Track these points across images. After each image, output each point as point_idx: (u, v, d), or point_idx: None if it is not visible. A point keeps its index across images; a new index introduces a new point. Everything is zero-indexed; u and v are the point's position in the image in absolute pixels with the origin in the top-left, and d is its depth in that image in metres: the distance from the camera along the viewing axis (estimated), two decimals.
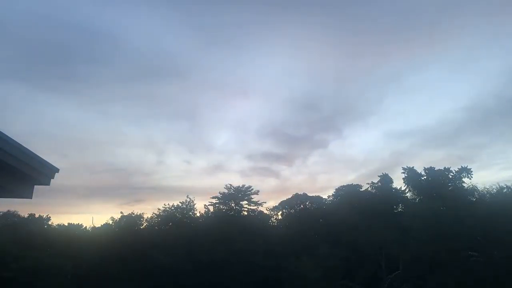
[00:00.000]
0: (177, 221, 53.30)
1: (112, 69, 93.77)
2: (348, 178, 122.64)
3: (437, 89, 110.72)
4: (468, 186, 49.65)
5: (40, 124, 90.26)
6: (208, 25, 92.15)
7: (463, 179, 50.82)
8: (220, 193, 54.95)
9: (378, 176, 58.34)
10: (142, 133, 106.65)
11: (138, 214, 54.58)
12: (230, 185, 54.88)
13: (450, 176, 51.55)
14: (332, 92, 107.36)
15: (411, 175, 53.71)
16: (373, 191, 57.20)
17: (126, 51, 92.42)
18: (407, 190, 54.83)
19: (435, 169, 52.61)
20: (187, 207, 55.18)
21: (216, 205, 55.32)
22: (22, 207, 57.14)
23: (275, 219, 61.93)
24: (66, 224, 55.58)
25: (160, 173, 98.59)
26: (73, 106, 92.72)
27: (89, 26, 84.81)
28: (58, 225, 55.90)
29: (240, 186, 54.91)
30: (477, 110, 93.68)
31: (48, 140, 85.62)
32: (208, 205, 55.67)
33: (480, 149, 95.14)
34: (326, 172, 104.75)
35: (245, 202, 55.06)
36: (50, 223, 55.33)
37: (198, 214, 56.32)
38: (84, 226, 56.07)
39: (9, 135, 4.73)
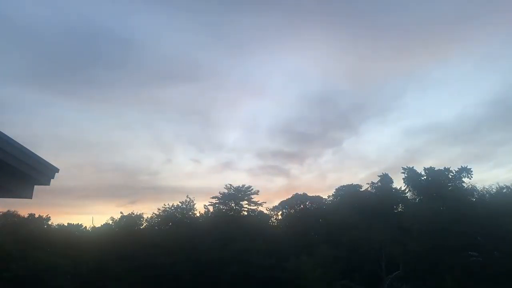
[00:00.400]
0: (177, 221, 53.32)
1: (123, 72, 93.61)
2: (360, 176, 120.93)
3: (460, 84, 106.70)
4: (467, 186, 49.71)
5: (44, 125, 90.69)
6: (218, 25, 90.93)
7: (463, 179, 50.89)
8: (220, 193, 54.98)
9: (378, 176, 58.44)
10: (150, 133, 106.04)
11: (138, 214, 54.68)
12: (230, 185, 54.92)
13: (450, 176, 51.57)
14: (348, 89, 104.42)
15: (411, 175, 53.75)
16: (373, 191, 57.25)
17: (137, 54, 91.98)
18: (407, 190, 54.89)
19: (435, 169, 52.65)
20: (187, 207, 55.21)
21: (216, 205, 55.34)
22: (22, 207, 57.12)
23: (275, 219, 62.01)
24: (66, 224, 55.65)
25: (167, 173, 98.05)
26: (77, 106, 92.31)
27: (105, 31, 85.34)
28: (58, 225, 55.99)
29: (240, 186, 54.93)
30: (498, 104, 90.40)
31: (51, 140, 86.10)
32: (208, 205, 55.74)
33: (498, 146, 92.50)
34: (338, 171, 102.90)
35: (245, 202, 55.08)
36: (50, 223, 55.40)
37: (198, 214, 56.42)
38: (84, 226, 56.19)
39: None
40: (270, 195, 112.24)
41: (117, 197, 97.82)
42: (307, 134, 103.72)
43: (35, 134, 77.65)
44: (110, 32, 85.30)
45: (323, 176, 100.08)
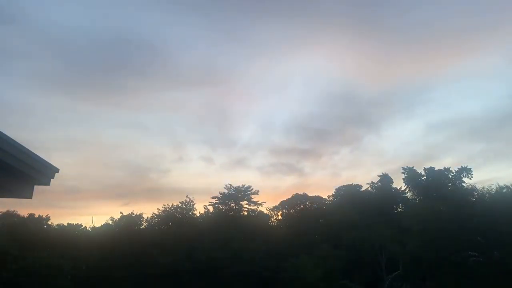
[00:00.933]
0: (177, 221, 53.30)
1: (143, 78, 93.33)
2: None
3: (488, 77, 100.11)
4: (467, 186, 49.74)
5: (55, 127, 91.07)
6: (236, 25, 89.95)
7: (463, 179, 50.98)
8: (220, 193, 54.99)
9: (378, 176, 58.44)
10: (159, 133, 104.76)
11: (138, 214, 54.61)
12: (230, 185, 54.96)
13: (450, 176, 51.68)
14: (371, 85, 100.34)
15: (411, 175, 53.81)
16: (373, 191, 57.26)
17: (157, 60, 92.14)
18: (407, 190, 54.93)
19: (435, 169, 52.79)
20: (187, 207, 55.17)
21: (216, 205, 55.33)
22: (22, 207, 57.06)
23: (275, 219, 61.99)
24: (66, 224, 55.54)
25: (176, 172, 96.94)
26: (87, 108, 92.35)
27: (128, 40, 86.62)
28: (58, 225, 55.86)
29: (240, 186, 54.94)
30: None
31: (59, 141, 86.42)
32: (208, 205, 55.74)
33: None
34: (355, 169, 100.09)
35: (245, 202, 55.09)
36: (50, 223, 55.29)
37: (198, 214, 56.40)
38: (84, 226, 56.05)
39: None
40: (281, 193, 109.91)
41: (119, 198, 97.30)
42: (325, 131, 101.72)
43: (45, 136, 78.38)
44: (131, 40, 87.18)
45: (339, 174, 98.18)
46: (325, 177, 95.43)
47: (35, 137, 71.16)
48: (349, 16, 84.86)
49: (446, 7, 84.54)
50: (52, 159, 5.52)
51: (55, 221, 56.73)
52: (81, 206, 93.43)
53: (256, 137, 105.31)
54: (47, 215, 55.18)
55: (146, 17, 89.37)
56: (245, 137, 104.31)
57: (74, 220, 79.36)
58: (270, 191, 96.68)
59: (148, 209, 72.15)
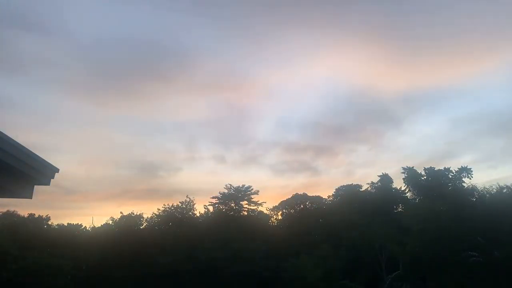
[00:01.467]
0: (177, 221, 53.32)
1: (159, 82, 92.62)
2: (392, 171, 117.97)
3: None
4: (467, 186, 49.75)
5: (50, 124, 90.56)
6: (253, 23, 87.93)
7: (463, 179, 50.98)
8: (220, 193, 54.97)
9: (378, 176, 58.43)
10: (167, 133, 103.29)
11: (138, 214, 54.63)
12: (230, 185, 54.93)
13: (450, 176, 51.68)
14: (393, 81, 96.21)
15: (411, 175, 53.81)
16: (373, 191, 57.24)
17: (178, 65, 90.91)
18: (407, 190, 54.92)
19: (435, 169, 52.81)
20: (187, 207, 55.18)
21: (216, 205, 55.33)
22: (22, 207, 56.94)
23: (275, 219, 61.99)
24: (66, 224, 55.56)
25: (189, 171, 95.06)
26: (86, 107, 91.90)
27: (148, 46, 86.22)
28: (58, 225, 55.87)
29: (240, 186, 54.94)
30: None
31: (56, 141, 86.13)
32: (208, 205, 55.74)
33: None
34: (373, 166, 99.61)
35: (245, 202, 55.08)
36: (50, 223, 55.30)
37: (198, 214, 56.40)
38: (84, 226, 56.08)
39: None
40: (293, 190, 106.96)
41: (120, 198, 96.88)
42: (343, 129, 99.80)
43: (45, 136, 78.18)
44: (143, 42, 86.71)
45: (355, 172, 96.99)
46: (341, 175, 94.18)
47: (35, 137, 70.92)
48: (372, 11, 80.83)
49: (469, 4, 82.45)
50: (52, 159, 5.52)
51: (55, 221, 56.78)
52: (81, 206, 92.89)
53: (271, 135, 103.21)
54: (47, 215, 55.21)
55: (162, 19, 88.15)
56: (259, 136, 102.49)
57: (74, 220, 79.40)
58: (282, 190, 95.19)
59: (154, 210, 72.24)
